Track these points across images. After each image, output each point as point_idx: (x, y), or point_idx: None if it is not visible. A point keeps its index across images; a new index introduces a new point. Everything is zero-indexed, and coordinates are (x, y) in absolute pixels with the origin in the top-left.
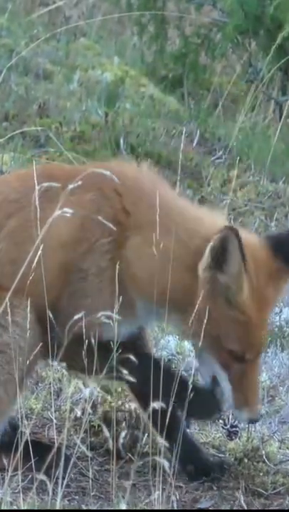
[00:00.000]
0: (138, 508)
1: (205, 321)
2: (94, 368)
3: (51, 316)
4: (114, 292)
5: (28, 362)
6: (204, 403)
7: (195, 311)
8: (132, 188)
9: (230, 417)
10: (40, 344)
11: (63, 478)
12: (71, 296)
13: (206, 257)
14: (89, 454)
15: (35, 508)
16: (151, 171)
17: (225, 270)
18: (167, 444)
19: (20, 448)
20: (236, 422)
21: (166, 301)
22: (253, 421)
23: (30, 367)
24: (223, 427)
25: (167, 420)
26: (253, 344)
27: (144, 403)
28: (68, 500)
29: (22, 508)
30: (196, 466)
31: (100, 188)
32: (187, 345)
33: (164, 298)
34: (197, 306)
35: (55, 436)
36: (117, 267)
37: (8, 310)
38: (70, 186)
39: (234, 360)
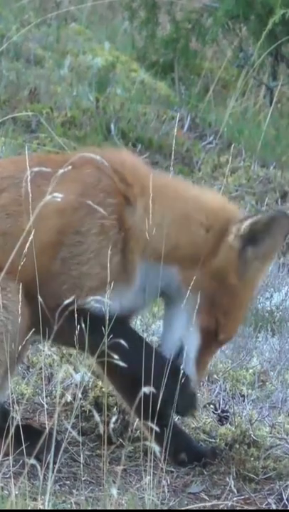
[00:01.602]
0: (129, 493)
1: (208, 278)
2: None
3: (41, 300)
4: (115, 255)
5: (17, 346)
6: (185, 396)
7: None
8: (129, 166)
9: (221, 402)
10: (32, 330)
11: (54, 463)
12: (64, 261)
13: (244, 226)
14: (80, 439)
15: (26, 493)
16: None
17: (257, 248)
18: (158, 429)
19: (11, 433)
20: (227, 407)
21: (172, 258)
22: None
23: (20, 351)
24: (213, 412)
25: (158, 407)
26: (231, 325)
27: (132, 401)
28: (59, 486)
29: (13, 493)
30: (188, 453)
31: (97, 167)
32: None
33: (172, 253)
34: (207, 262)
35: (46, 422)
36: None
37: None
38: (61, 171)
39: (210, 331)
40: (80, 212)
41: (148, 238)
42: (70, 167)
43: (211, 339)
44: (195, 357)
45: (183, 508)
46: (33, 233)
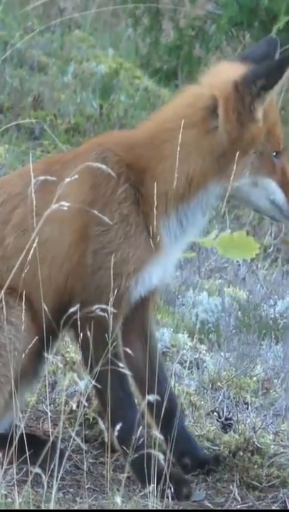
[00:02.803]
0: (133, 501)
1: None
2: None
3: (46, 308)
4: (140, 234)
5: (23, 363)
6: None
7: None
8: (128, 137)
9: (225, 409)
10: (33, 342)
11: (58, 471)
12: (96, 254)
13: (260, 74)
14: (84, 446)
15: (30, 501)
16: None
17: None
18: (162, 437)
19: (15, 441)
20: (230, 415)
21: (200, 184)
22: None
23: (27, 369)
24: (217, 420)
25: (164, 408)
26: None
27: (143, 389)
28: (63, 493)
29: (17, 501)
30: (192, 458)
31: (100, 149)
32: (181, 337)
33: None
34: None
35: (50, 429)
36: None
37: (4, 310)
38: (67, 180)
39: (275, 159)
40: (97, 206)
41: (168, 191)
42: (76, 176)
43: (278, 158)
44: (281, 189)
45: (179, 509)
46: (52, 242)
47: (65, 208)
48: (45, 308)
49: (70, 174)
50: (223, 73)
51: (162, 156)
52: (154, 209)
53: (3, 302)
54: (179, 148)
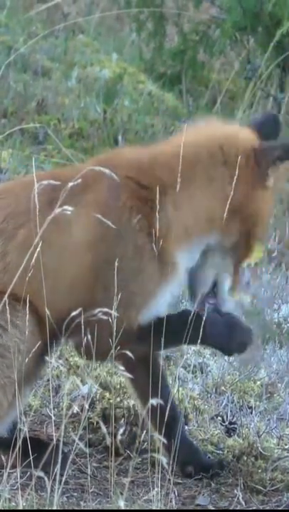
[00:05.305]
0: (136, 505)
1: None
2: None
3: (48, 312)
4: (153, 265)
5: (28, 365)
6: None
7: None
8: (139, 164)
9: (229, 413)
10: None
11: (61, 475)
12: (107, 289)
13: (277, 149)
14: (87, 450)
15: (34, 505)
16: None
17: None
18: (165, 441)
19: (19, 445)
20: (234, 419)
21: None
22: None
23: (30, 371)
24: (221, 424)
25: (166, 417)
26: (263, 229)
27: (144, 398)
28: (67, 497)
29: (20, 505)
30: (196, 465)
31: (110, 181)
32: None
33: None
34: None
35: (54, 433)
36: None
37: (8, 311)
38: (70, 184)
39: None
40: (109, 238)
41: (186, 228)
42: (79, 183)
43: (241, 257)
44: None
45: (178, 509)
46: (59, 267)
47: (69, 212)
48: (49, 314)
49: (77, 205)
50: (241, 136)
51: (183, 180)
52: (162, 240)
53: (7, 305)
54: (201, 180)
